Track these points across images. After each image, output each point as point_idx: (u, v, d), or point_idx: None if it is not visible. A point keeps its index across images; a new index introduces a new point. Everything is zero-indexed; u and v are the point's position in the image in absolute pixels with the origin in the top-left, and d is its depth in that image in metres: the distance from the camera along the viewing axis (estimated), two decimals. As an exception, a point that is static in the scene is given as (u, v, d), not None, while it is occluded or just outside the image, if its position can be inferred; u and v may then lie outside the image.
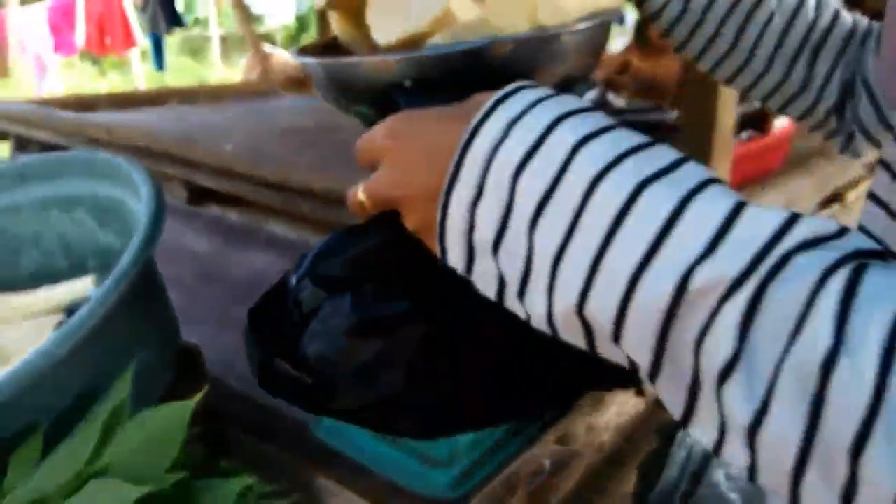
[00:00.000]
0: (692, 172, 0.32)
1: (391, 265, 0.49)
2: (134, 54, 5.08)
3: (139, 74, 5.33)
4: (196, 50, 8.55)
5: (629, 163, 0.32)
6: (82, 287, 0.80)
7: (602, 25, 0.62)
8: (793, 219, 0.29)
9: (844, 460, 0.25)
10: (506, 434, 0.78)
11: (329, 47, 0.71)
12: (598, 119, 0.36)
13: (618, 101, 1.89)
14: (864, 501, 0.25)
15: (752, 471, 0.29)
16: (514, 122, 0.36)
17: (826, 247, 0.28)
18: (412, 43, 0.63)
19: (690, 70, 1.36)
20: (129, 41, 4.89)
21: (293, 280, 0.53)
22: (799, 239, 0.28)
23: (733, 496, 0.65)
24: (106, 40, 4.97)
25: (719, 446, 0.30)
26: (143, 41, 4.96)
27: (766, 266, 0.28)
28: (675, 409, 0.32)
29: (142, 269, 0.64)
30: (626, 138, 0.34)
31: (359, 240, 0.51)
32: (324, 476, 0.72)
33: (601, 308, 0.31)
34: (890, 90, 0.40)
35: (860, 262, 0.27)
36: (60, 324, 0.77)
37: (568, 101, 0.37)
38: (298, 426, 0.81)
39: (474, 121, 0.37)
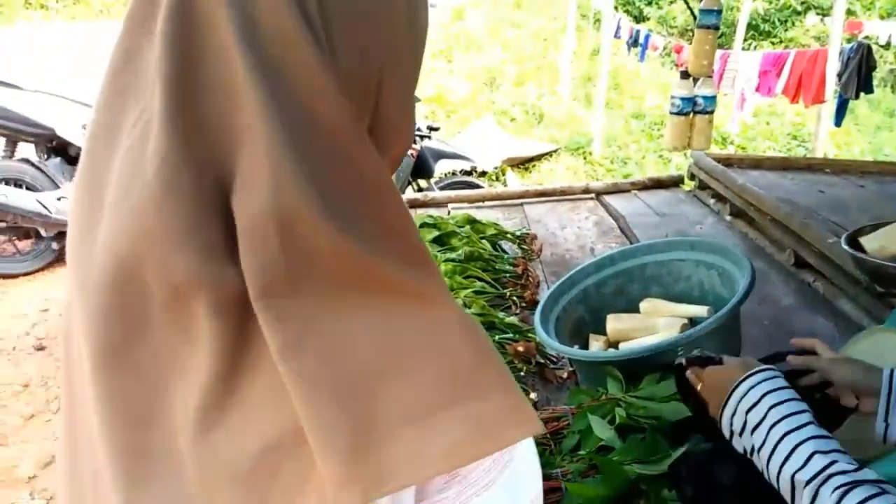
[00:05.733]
0: (807, 432, 0.79)
1: None
2: (823, 109, 5.45)
3: (821, 126, 5.71)
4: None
5: (780, 426, 0.81)
6: (701, 310, 1.44)
7: None
8: (833, 462, 0.75)
9: None
10: None
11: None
12: (781, 395, 0.84)
13: None
14: None
15: None
16: (751, 387, 0.87)
17: (847, 474, 0.74)
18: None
19: None
20: (819, 97, 5.32)
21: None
22: (835, 470, 0.75)
23: None
24: (800, 92, 5.53)
25: None
26: (829, 98, 5.30)
27: (819, 479, 0.76)
28: None
29: (733, 312, 1.25)
30: (785, 410, 0.82)
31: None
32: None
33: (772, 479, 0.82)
34: None
35: (857, 483, 0.73)
36: (684, 326, 1.44)
37: (774, 383, 0.86)
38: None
39: (734, 384, 0.89)
